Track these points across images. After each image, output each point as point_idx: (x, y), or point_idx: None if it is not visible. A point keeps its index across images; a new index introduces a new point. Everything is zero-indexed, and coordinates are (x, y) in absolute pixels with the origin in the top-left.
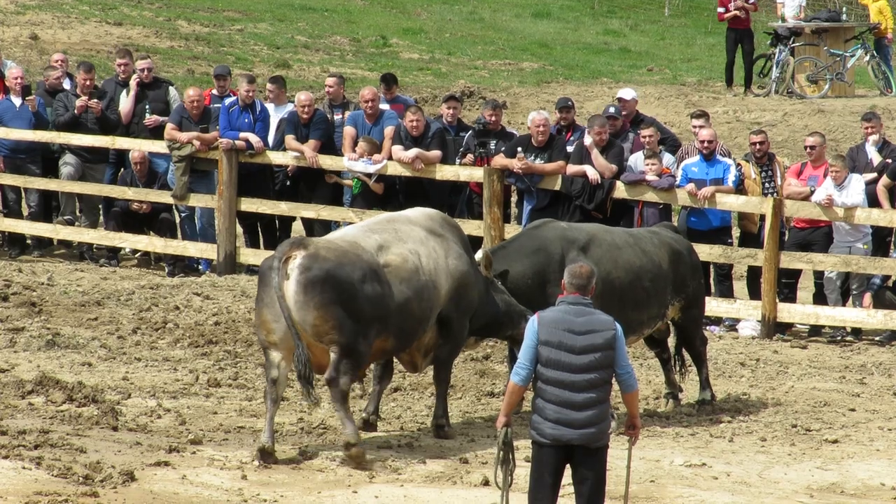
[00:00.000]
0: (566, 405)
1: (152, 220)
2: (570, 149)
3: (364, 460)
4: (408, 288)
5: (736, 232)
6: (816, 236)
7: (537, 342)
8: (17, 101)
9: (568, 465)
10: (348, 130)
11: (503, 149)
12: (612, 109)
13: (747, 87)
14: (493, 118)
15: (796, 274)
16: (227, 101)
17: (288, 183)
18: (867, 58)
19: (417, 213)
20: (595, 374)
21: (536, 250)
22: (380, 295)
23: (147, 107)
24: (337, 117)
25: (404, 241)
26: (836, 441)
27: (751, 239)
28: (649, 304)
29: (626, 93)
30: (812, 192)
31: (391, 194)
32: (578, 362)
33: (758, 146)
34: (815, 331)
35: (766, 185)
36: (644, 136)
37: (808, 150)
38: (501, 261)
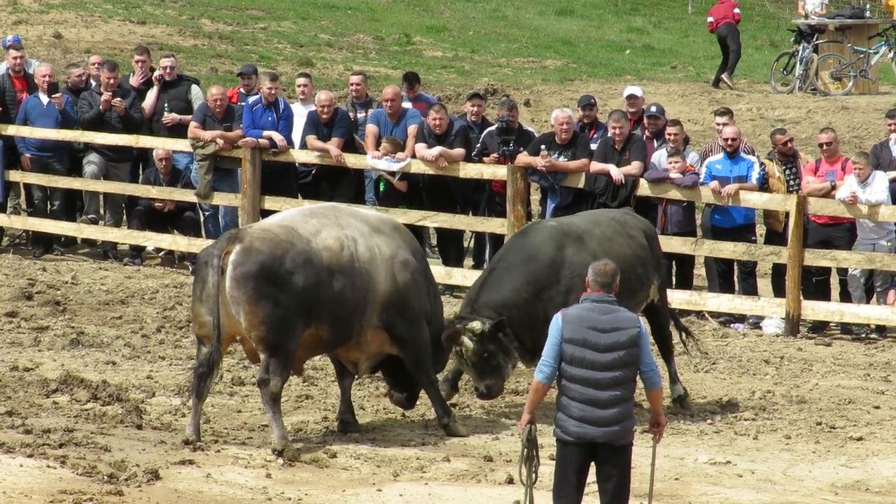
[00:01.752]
0: (591, 403)
1: (176, 219)
2: (593, 146)
3: (298, 458)
4: (341, 274)
5: (761, 229)
6: (838, 232)
7: (561, 339)
8: (44, 98)
9: (592, 463)
10: (371, 129)
11: (525, 147)
12: (653, 108)
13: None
14: (511, 118)
15: (826, 272)
16: (251, 99)
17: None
18: (891, 55)
19: (373, 213)
20: (619, 371)
21: (527, 260)
22: (312, 284)
23: (166, 105)
24: (360, 115)
25: (343, 227)
26: (860, 439)
27: (776, 237)
28: (641, 289)
29: (636, 90)
30: (833, 187)
31: (415, 192)
32: (603, 360)
33: (788, 144)
34: (844, 328)
35: (791, 182)
36: (669, 134)
37: (824, 146)
38: (496, 285)
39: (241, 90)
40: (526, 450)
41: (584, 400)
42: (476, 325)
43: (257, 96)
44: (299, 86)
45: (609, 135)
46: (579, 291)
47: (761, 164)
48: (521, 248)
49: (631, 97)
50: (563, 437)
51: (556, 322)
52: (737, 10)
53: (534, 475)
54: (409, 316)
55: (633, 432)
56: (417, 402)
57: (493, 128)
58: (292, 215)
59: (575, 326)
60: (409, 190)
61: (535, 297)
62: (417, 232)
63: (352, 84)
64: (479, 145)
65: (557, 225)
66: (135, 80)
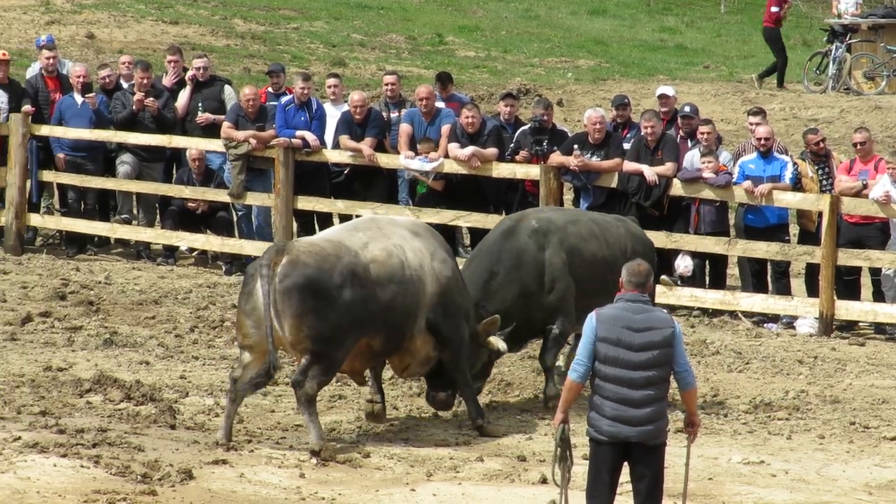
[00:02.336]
0: (624, 402)
1: (209, 219)
2: (626, 146)
3: (335, 458)
4: (393, 283)
5: (794, 229)
6: (870, 232)
7: (595, 339)
8: (79, 98)
9: (626, 463)
10: (405, 128)
11: (558, 147)
12: (687, 109)
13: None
14: (545, 117)
15: (857, 271)
16: (283, 99)
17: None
18: None
19: (405, 218)
20: (653, 371)
21: (518, 266)
22: (360, 298)
23: (200, 104)
24: (393, 115)
25: (388, 237)
26: (894, 438)
27: (808, 236)
28: (605, 294)
29: (668, 90)
30: (865, 186)
31: (449, 192)
32: (637, 359)
33: (821, 144)
34: (878, 328)
35: (824, 182)
36: (701, 133)
37: (858, 146)
38: (499, 295)
39: (270, 89)
40: (559, 449)
41: (617, 399)
42: (503, 347)
43: (290, 97)
44: (329, 86)
45: (641, 134)
46: (559, 291)
47: (794, 163)
48: (513, 252)
49: (662, 97)
50: (597, 436)
51: (591, 321)
52: (773, 10)
53: (568, 475)
54: (451, 312)
55: (666, 432)
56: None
57: (526, 127)
58: (338, 230)
59: (609, 325)
60: (445, 189)
61: (525, 303)
62: (450, 232)
63: (386, 84)
64: (512, 144)
65: (538, 224)
66: (167, 81)
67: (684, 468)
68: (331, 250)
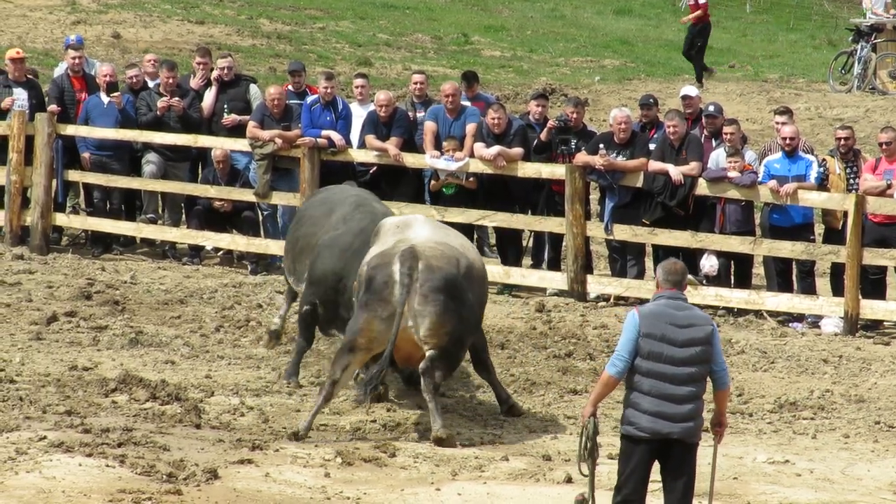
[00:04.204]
0: (666, 398)
1: (235, 218)
2: (652, 146)
3: (454, 444)
4: (477, 281)
5: (819, 228)
6: (895, 231)
7: (638, 335)
8: (105, 98)
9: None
10: (429, 126)
11: (585, 146)
12: (711, 108)
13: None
14: (575, 115)
15: (882, 270)
16: (309, 99)
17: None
18: None
19: (425, 217)
20: (696, 367)
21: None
22: (474, 298)
23: (226, 105)
24: (420, 114)
25: (459, 238)
26: None
27: (834, 235)
28: None
29: (691, 90)
30: (889, 186)
31: (474, 192)
32: (680, 355)
33: (843, 141)
34: None
35: (851, 180)
36: (726, 134)
37: (884, 146)
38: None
39: (290, 87)
40: (588, 443)
41: (659, 395)
42: None
43: (315, 96)
44: (356, 86)
45: (666, 134)
46: None
47: (822, 161)
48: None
49: (685, 97)
50: (636, 433)
51: (633, 318)
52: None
53: (594, 469)
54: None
55: (701, 431)
56: (475, 401)
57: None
58: (432, 234)
59: (652, 321)
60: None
61: None
62: (470, 231)
63: (415, 83)
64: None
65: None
66: (195, 83)
67: (710, 467)
68: (449, 252)
